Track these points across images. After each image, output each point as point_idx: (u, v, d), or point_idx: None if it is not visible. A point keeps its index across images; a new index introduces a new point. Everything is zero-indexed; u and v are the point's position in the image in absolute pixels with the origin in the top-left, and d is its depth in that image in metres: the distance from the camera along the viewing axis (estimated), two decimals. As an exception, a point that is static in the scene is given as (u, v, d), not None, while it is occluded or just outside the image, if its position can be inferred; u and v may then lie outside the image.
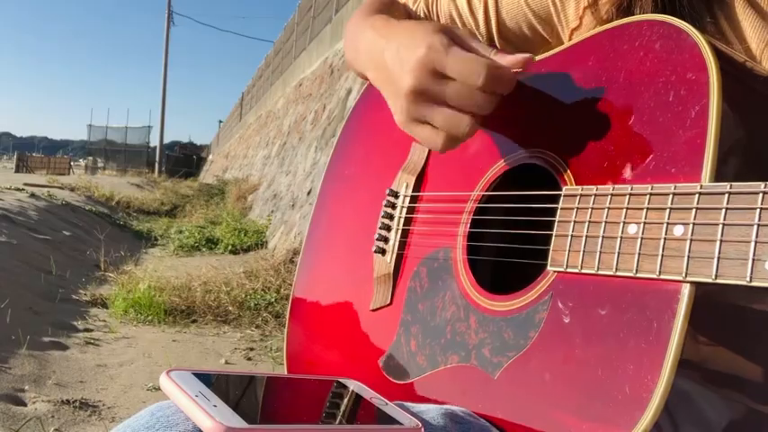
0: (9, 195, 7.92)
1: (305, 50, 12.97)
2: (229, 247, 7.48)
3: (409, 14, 0.92)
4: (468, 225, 0.77)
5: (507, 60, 0.68)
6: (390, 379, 0.79)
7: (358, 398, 0.68)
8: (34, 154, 45.18)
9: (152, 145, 36.68)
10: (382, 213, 0.89)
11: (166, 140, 43.22)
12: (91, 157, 39.98)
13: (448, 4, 0.90)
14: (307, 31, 13.18)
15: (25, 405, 2.49)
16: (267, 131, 15.76)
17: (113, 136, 38.03)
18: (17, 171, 25.90)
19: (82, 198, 10.39)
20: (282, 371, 0.98)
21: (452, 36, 0.69)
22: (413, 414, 0.64)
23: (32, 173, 23.63)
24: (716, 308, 0.55)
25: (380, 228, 0.89)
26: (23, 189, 8.93)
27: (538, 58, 0.76)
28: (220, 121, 42.25)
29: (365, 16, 0.85)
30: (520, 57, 0.68)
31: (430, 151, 0.87)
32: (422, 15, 0.92)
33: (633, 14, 0.68)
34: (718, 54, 0.57)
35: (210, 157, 36.95)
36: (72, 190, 11.08)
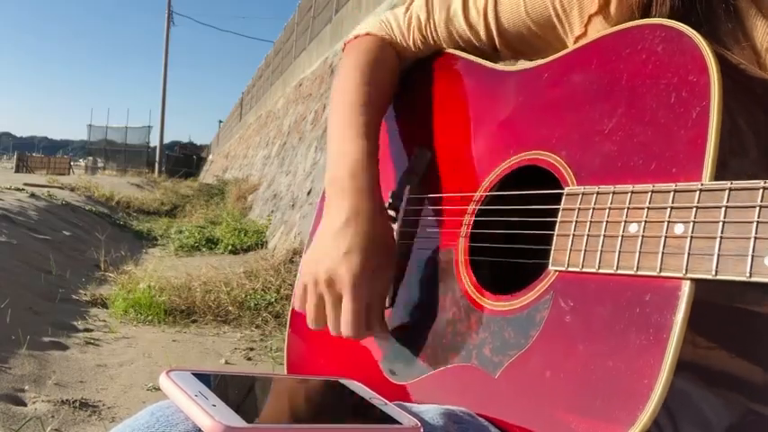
0: (9, 195, 7.92)
1: (305, 50, 12.97)
2: (229, 247, 7.47)
3: (398, 54, 0.94)
4: (470, 226, 0.77)
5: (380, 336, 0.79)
6: (392, 380, 0.79)
7: (357, 398, 0.68)
8: (34, 154, 45.13)
9: (152, 145, 36.68)
10: None
11: (166, 140, 43.22)
12: (91, 157, 39.94)
13: (446, 26, 0.89)
14: (307, 31, 13.18)
15: (25, 405, 2.48)
16: (267, 131, 15.76)
17: (113, 136, 38.01)
18: (17, 171, 25.87)
19: (82, 198, 10.38)
20: (282, 371, 0.98)
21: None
22: (412, 414, 0.64)
23: (32, 173, 23.62)
24: (716, 305, 0.55)
25: None
26: (23, 189, 8.92)
27: (541, 62, 0.76)
28: (220, 121, 42.23)
29: (350, 100, 0.88)
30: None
31: (432, 155, 0.87)
32: (418, 43, 0.92)
33: (650, 16, 0.69)
34: (719, 57, 0.57)
35: (210, 157, 36.95)
36: (72, 190, 11.07)
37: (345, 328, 0.75)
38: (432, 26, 0.91)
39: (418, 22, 0.92)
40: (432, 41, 0.92)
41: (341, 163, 0.83)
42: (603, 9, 0.76)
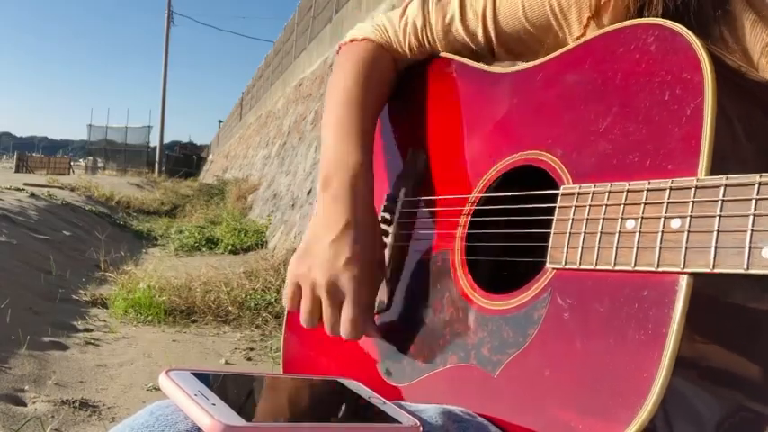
0: (9, 195, 7.92)
1: (305, 50, 12.97)
2: (229, 247, 7.48)
3: (394, 60, 0.93)
4: (466, 227, 0.77)
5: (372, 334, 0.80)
6: (390, 382, 0.79)
7: (356, 397, 0.68)
8: (34, 154, 45.09)
9: (152, 145, 36.67)
10: (380, 218, 0.89)
11: (166, 140, 43.20)
12: (91, 157, 39.94)
13: (443, 31, 0.89)
14: (307, 31, 13.18)
15: (25, 405, 2.49)
16: (267, 131, 15.76)
17: (113, 136, 38.01)
18: (17, 171, 25.85)
19: (82, 198, 10.39)
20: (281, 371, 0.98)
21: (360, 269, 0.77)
22: (411, 413, 0.64)
23: (32, 173, 23.60)
24: (714, 299, 0.55)
25: None
26: (23, 189, 8.92)
27: (535, 62, 0.76)
28: (220, 121, 42.22)
29: (345, 98, 0.89)
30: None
31: (427, 156, 0.87)
32: (414, 48, 0.92)
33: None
34: (712, 55, 0.57)
35: (210, 157, 36.94)
36: (72, 190, 11.07)
37: (346, 332, 0.77)
38: (428, 32, 0.90)
39: (414, 28, 0.91)
40: (428, 46, 0.91)
41: (338, 169, 0.83)
42: (599, 12, 0.76)
